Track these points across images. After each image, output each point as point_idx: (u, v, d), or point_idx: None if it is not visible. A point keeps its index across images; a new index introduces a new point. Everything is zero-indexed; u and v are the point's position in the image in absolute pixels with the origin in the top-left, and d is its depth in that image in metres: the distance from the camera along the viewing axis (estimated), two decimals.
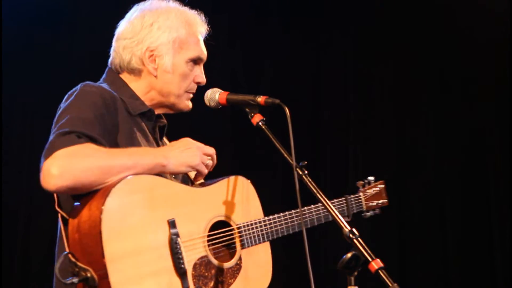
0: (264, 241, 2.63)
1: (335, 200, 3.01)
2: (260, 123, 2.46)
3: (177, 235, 2.29)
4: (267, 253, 2.66)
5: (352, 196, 3.17)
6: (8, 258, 4.91)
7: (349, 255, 2.12)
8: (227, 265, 2.49)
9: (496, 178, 5.38)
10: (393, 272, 2.06)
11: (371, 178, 3.32)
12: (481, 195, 5.41)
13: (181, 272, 2.28)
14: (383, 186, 3.36)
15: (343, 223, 2.19)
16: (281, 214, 2.72)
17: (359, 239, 2.14)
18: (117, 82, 2.56)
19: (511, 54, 5.30)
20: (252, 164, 5.31)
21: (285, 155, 2.36)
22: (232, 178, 2.60)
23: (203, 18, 2.71)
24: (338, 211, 2.93)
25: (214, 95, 2.59)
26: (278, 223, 2.69)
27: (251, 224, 2.60)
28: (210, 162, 2.52)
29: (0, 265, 4.86)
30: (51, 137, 2.21)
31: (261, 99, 2.47)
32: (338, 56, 5.65)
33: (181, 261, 2.28)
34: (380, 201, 3.38)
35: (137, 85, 2.58)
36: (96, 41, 5.12)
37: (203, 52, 2.66)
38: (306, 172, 2.33)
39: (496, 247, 5.31)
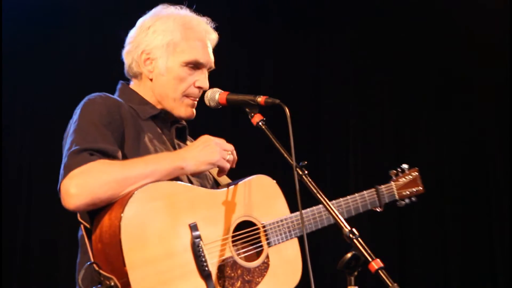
0: (291, 238, 2.62)
1: (365, 192, 2.99)
2: (260, 123, 2.46)
3: (199, 238, 2.30)
4: (295, 249, 2.64)
5: (383, 186, 3.15)
6: (8, 258, 4.91)
7: (349, 255, 2.12)
8: (253, 264, 2.49)
9: (496, 179, 5.37)
10: (393, 272, 2.06)
11: (404, 166, 3.29)
12: (481, 195, 5.40)
13: (205, 274, 2.29)
14: (417, 173, 3.34)
15: (343, 223, 2.19)
16: (308, 209, 2.71)
17: (359, 239, 2.13)
18: (126, 91, 2.63)
19: (511, 54, 5.30)
20: (252, 164, 5.30)
21: (285, 155, 2.36)
22: (254, 177, 2.62)
23: (211, 25, 2.71)
24: (369, 202, 2.98)
25: (214, 95, 2.59)
26: (305, 219, 2.68)
27: (277, 222, 2.59)
28: (231, 157, 2.50)
29: (0, 265, 4.85)
30: (65, 158, 2.27)
31: (261, 99, 2.47)
32: (338, 56, 5.65)
33: (204, 263, 2.29)
34: (414, 189, 3.35)
35: (142, 90, 2.62)
36: (96, 41, 5.15)
37: (203, 56, 2.63)
38: (306, 172, 2.33)
39: (496, 247, 5.31)
